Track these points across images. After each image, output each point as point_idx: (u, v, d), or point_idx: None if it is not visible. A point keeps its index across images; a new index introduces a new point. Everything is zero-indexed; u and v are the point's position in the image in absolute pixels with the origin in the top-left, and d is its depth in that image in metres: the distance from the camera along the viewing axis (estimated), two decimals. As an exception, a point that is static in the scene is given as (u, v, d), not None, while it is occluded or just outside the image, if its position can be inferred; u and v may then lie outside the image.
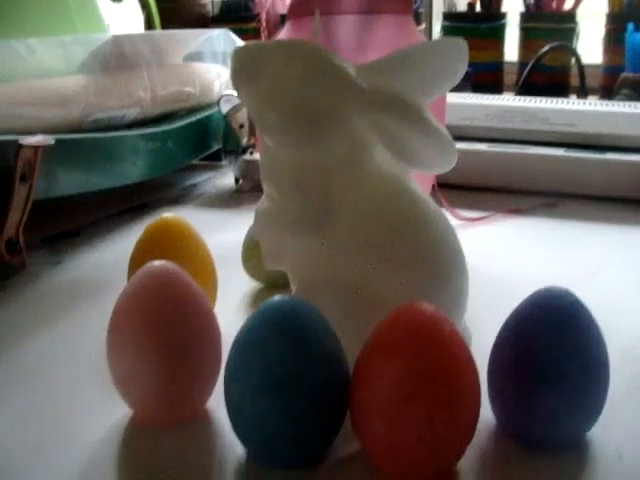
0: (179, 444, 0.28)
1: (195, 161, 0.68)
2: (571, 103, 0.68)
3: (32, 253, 0.47)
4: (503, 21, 1.07)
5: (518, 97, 0.70)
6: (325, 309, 0.27)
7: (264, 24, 0.95)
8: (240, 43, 0.75)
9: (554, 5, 1.04)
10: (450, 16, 1.10)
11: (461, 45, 0.31)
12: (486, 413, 0.28)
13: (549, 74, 0.99)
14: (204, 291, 0.30)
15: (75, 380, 0.33)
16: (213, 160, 0.70)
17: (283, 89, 0.29)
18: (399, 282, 0.30)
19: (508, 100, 0.68)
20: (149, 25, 1.00)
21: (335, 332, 0.27)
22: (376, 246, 0.30)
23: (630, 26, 0.90)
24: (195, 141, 0.66)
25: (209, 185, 0.67)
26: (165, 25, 0.99)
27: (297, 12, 0.43)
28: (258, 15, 1.09)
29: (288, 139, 0.30)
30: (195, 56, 0.69)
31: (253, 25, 1.10)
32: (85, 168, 0.51)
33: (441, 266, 0.31)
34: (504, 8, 1.08)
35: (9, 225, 0.42)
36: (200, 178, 0.69)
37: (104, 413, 0.30)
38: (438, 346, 0.24)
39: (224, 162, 0.65)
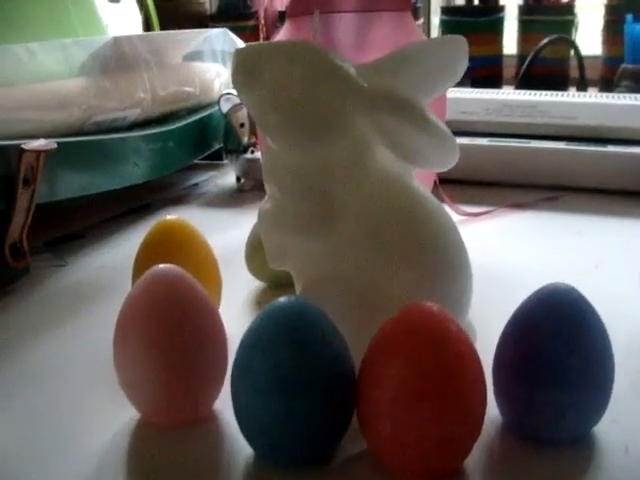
0: (186, 446, 0.28)
1: (196, 161, 0.68)
2: (571, 96, 0.68)
3: (36, 257, 0.47)
4: (501, 14, 1.07)
5: (518, 91, 0.70)
6: (330, 309, 0.27)
7: (262, 21, 0.95)
8: (239, 42, 0.75)
9: (552, -3, 1.04)
10: (448, 10, 1.10)
11: (461, 43, 0.31)
12: (492, 410, 0.28)
13: (548, 67, 1.00)
14: (209, 292, 0.30)
15: (81, 383, 0.33)
16: (214, 159, 0.70)
17: (284, 90, 0.29)
18: (403, 281, 0.30)
19: (508, 94, 0.68)
20: (147, 24, 1.00)
21: (340, 332, 0.27)
22: (379, 245, 0.30)
23: (629, 17, 0.90)
24: (196, 141, 0.66)
25: (211, 184, 0.67)
26: (163, 24, 1.00)
27: (296, 11, 0.44)
28: (256, 12, 1.09)
29: (290, 140, 0.30)
30: (195, 56, 0.69)
31: (251, 23, 1.10)
32: (87, 171, 0.51)
33: (445, 264, 0.31)
34: (502, 1, 1.08)
35: (13, 229, 0.42)
36: (202, 177, 0.69)
37: (111, 416, 0.30)
38: (444, 345, 0.24)
39: (225, 161, 0.65)
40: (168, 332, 0.28)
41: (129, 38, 0.59)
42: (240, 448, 0.28)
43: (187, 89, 0.65)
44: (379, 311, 0.27)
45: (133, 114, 0.57)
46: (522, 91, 0.69)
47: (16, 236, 0.43)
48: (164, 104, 0.62)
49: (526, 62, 0.95)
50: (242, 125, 0.61)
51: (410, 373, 0.24)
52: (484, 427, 0.26)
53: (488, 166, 0.61)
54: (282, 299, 0.26)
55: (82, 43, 0.56)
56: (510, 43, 1.09)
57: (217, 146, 0.68)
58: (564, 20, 1.03)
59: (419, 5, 1.08)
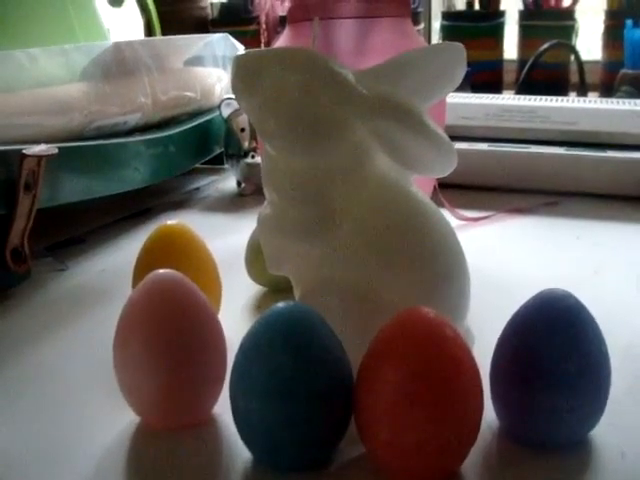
0: (185, 450, 0.28)
1: (197, 165, 0.68)
2: (571, 101, 0.68)
3: (37, 261, 0.47)
4: (502, 19, 1.07)
5: (517, 96, 0.70)
6: (328, 314, 0.27)
7: (264, 26, 0.96)
8: (240, 47, 0.75)
9: (552, 2, 1.04)
10: (449, 15, 1.10)
11: (459, 49, 0.32)
12: (489, 415, 0.28)
13: (549, 72, 1.00)
14: (208, 297, 0.30)
15: (81, 387, 0.33)
16: (215, 164, 0.70)
17: (283, 97, 0.30)
18: (401, 286, 0.30)
19: (508, 99, 0.68)
20: (149, 29, 1.00)
21: (339, 337, 0.27)
22: (378, 251, 0.30)
23: (629, 22, 0.90)
24: (197, 145, 0.66)
25: (211, 189, 0.67)
26: (165, 29, 1.00)
27: (296, 17, 0.44)
28: (257, 17, 1.10)
29: (289, 146, 0.31)
30: (195, 61, 0.69)
31: (253, 27, 1.10)
32: (88, 175, 0.51)
33: (443, 269, 0.31)
34: (503, 6, 1.08)
35: (14, 234, 0.42)
36: (202, 182, 0.69)
37: (110, 420, 0.30)
38: (440, 350, 0.25)
39: (226, 166, 0.65)
40: (167, 337, 0.28)
41: (130, 43, 0.59)
42: (239, 452, 0.28)
43: (188, 94, 0.65)
44: (377, 316, 0.27)
45: (134, 119, 0.58)
46: (522, 96, 0.69)
47: (17, 241, 0.43)
48: (165, 109, 0.62)
49: (526, 67, 0.95)
50: (243, 130, 0.62)
51: (407, 378, 0.24)
52: (481, 432, 0.26)
53: (488, 171, 0.61)
54: (280, 304, 0.27)
55: (83, 48, 0.56)
56: (510, 48, 1.10)
57: (218, 151, 0.68)
58: (564, 25, 1.03)
59: (420, 10, 1.08)
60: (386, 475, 0.26)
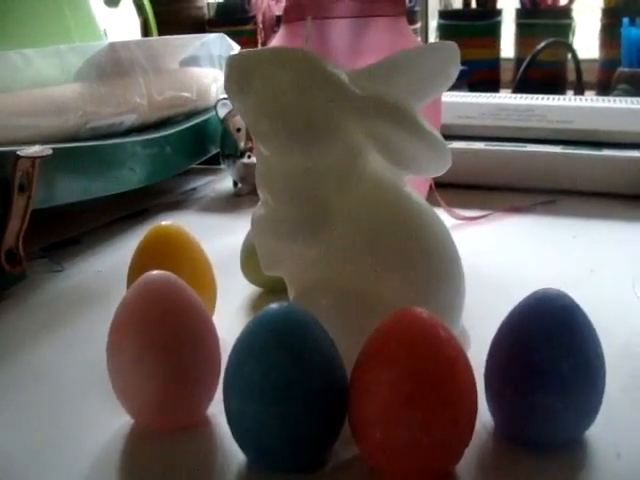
0: (179, 452, 0.28)
1: (193, 166, 0.68)
2: (568, 100, 0.68)
3: (33, 262, 0.47)
4: (499, 18, 1.07)
5: (514, 95, 0.70)
6: (322, 314, 0.27)
7: (260, 26, 0.96)
8: (236, 47, 0.75)
9: (550, 1, 1.04)
10: (446, 14, 1.10)
11: (453, 48, 0.32)
12: (484, 415, 0.28)
13: (546, 70, 1.00)
14: (203, 298, 0.30)
15: (76, 388, 0.33)
16: (211, 164, 0.70)
17: (276, 97, 0.30)
18: (395, 286, 0.30)
19: (504, 98, 0.68)
20: (145, 29, 1.00)
21: (332, 338, 0.27)
22: (372, 251, 0.30)
23: (625, 21, 0.90)
24: (193, 146, 0.66)
25: (208, 189, 0.67)
26: (161, 29, 1.00)
27: (292, 17, 0.44)
28: (254, 17, 1.10)
29: (282, 147, 0.31)
30: (191, 61, 0.69)
31: (249, 27, 1.10)
32: (84, 176, 0.51)
33: (437, 269, 0.31)
34: (499, 5, 1.08)
35: (8, 236, 0.42)
36: (199, 182, 0.69)
37: (105, 421, 0.30)
38: (433, 351, 0.24)
39: (222, 166, 0.65)
40: (160, 338, 0.28)
41: (125, 43, 0.59)
42: (233, 453, 0.28)
43: (184, 94, 0.65)
44: (371, 317, 0.27)
45: (130, 119, 0.58)
46: (518, 95, 0.69)
47: (12, 242, 0.43)
48: (161, 109, 0.62)
49: (523, 65, 0.95)
50: (239, 130, 0.61)
51: (401, 379, 0.24)
52: (476, 432, 0.26)
53: (484, 170, 0.61)
54: (273, 305, 0.26)
55: (78, 49, 0.56)
56: (507, 47, 1.10)
57: (214, 151, 0.68)
58: (561, 24, 1.03)
59: (417, 9, 1.08)
60: (380, 476, 0.26)
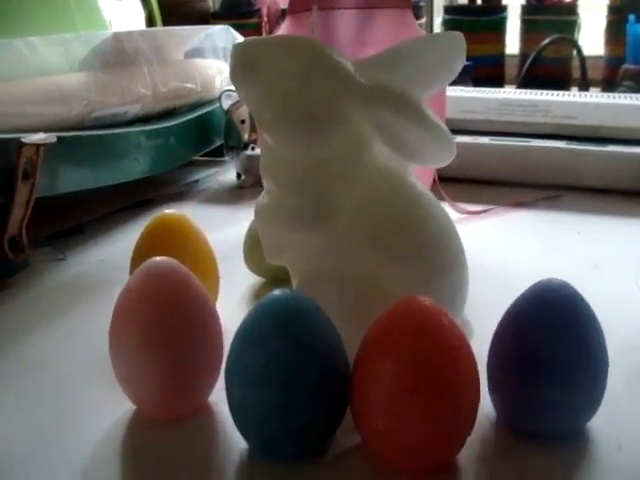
0: (181, 439, 0.28)
1: (197, 157, 0.68)
2: (572, 95, 0.68)
3: (35, 250, 0.47)
4: (504, 14, 1.07)
5: (519, 90, 0.70)
6: (326, 303, 0.27)
7: (265, 19, 0.95)
8: (240, 39, 0.75)
9: (555, -3, 1.04)
10: (451, 9, 1.10)
11: (458, 38, 0.32)
12: (486, 405, 0.28)
13: (551, 66, 0.99)
14: (206, 286, 0.30)
15: (79, 376, 0.33)
16: (215, 156, 0.70)
17: (281, 86, 0.29)
18: (399, 276, 0.30)
19: (509, 93, 0.68)
20: (150, 21, 1.00)
21: (335, 326, 0.27)
22: (376, 240, 0.30)
23: (631, 17, 0.90)
24: (197, 137, 0.66)
25: (211, 181, 0.67)
26: (166, 21, 1.00)
27: (297, 8, 0.44)
28: (259, 10, 1.09)
29: (287, 135, 0.30)
30: (196, 52, 0.69)
31: (254, 20, 1.10)
32: (87, 165, 0.51)
33: (441, 259, 0.31)
34: (505, 1, 1.08)
35: (12, 223, 0.42)
36: (202, 174, 0.69)
37: (107, 409, 0.30)
38: (436, 339, 0.24)
39: (226, 158, 0.65)
40: (162, 324, 0.28)
41: (130, 34, 0.59)
42: (234, 441, 0.28)
43: (188, 85, 0.65)
44: (374, 306, 0.27)
45: (134, 110, 0.57)
46: (523, 90, 0.69)
47: (15, 230, 0.43)
48: (165, 100, 0.62)
49: (528, 62, 0.95)
50: (243, 122, 0.61)
51: (403, 367, 0.24)
52: (478, 422, 0.26)
53: (489, 165, 0.61)
54: (276, 292, 0.26)
55: (83, 38, 0.56)
56: (513, 43, 1.09)
57: (218, 142, 0.68)
58: (567, 20, 1.03)
59: (422, 4, 1.08)
60: (382, 465, 0.26)
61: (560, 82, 0.99)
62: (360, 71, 0.30)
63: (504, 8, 1.07)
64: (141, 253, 0.36)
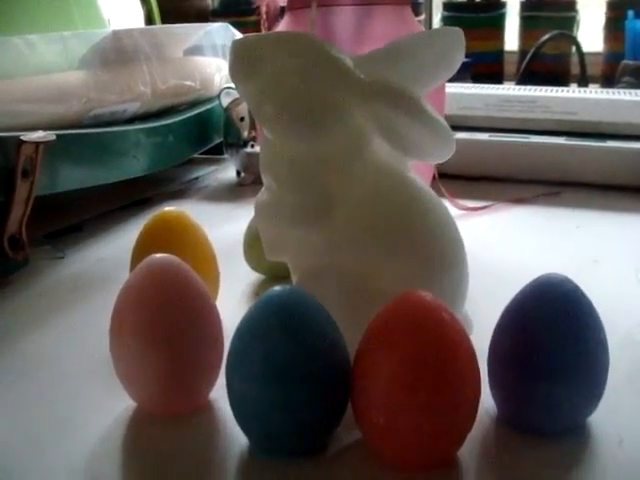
0: (182, 436, 0.28)
1: (196, 155, 0.68)
2: (572, 91, 0.68)
3: (35, 249, 0.47)
4: (503, 10, 1.07)
5: (518, 86, 0.70)
6: (326, 299, 0.27)
7: (264, 17, 0.95)
8: (240, 36, 0.75)
9: (554, -6, 1.04)
10: (450, 6, 1.10)
11: (458, 34, 0.31)
12: (486, 400, 0.28)
13: (550, 63, 0.99)
14: (206, 283, 0.30)
15: (79, 373, 0.33)
16: (214, 153, 0.70)
17: (281, 82, 0.29)
18: (399, 272, 0.30)
19: (508, 89, 0.68)
20: (149, 19, 1.00)
21: (336, 321, 0.27)
22: (376, 236, 0.30)
23: (630, 13, 0.90)
24: (196, 135, 0.66)
25: (211, 178, 0.67)
26: (165, 19, 1.00)
27: (296, 4, 0.44)
28: (258, 8, 1.09)
29: (286, 131, 0.30)
30: (195, 50, 0.69)
31: (253, 18, 1.10)
32: (87, 163, 0.51)
33: (440, 255, 0.31)
34: (504, -3, 1.08)
35: (12, 221, 0.42)
36: (202, 172, 0.69)
37: (108, 406, 0.30)
38: (436, 334, 0.24)
39: (225, 155, 0.65)
40: (163, 321, 0.28)
41: (129, 31, 0.59)
42: (235, 437, 0.28)
43: (187, 83, 0.65)
44: (375, 302, 0.27)
45: (133, 107, 0.57)
46: (523, 87, 0.69)
47: (15, 228, 0.43)
48: (164, 98, 0.62)
49: (527, 58, 0.95)
50: (242, 119, 0.61)
51: (404, 362, 0.24)
52: (478, 417, 0.26)
53: (488, 161, 0.61)
54: (276, 288, 0.26)
55: (82, 36, 0.56)
56: (512, 39, 1.09)
57: (217, 140, 0.68)
58: (566, 16, 1.03)
59: (421, 1, 1.08)
60: (383, 460, 0.26)
61: (559, 78, 0.99)
62: (359, 67, 0.30)
63: (503, 4, 1.07)
64: (141, 251, 0.36)
